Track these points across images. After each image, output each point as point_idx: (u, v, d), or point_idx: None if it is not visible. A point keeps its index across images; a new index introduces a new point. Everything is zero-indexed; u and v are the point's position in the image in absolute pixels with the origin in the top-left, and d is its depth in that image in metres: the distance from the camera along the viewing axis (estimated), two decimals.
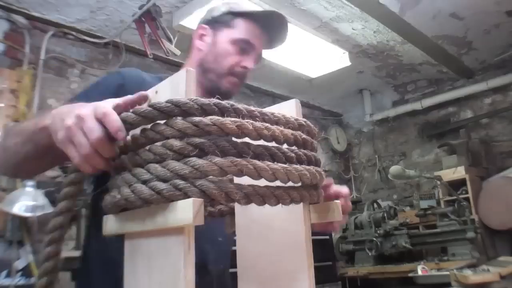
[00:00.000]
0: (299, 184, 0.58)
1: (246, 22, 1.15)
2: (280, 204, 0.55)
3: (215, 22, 1.18)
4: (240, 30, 1.15)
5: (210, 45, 1.17)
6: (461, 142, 3.78)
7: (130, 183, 0.53)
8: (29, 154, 0.81)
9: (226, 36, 1.15)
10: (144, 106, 0.55)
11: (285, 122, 0.59)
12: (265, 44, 1.20)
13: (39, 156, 0.81)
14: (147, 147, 0.54)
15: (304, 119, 0.62)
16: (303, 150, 0.59)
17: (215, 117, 0.51)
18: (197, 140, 0.51)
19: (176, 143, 0.51)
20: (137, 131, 0.57)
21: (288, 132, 0.58)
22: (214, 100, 0.53)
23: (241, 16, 1.16)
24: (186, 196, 0.48)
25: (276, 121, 0.58)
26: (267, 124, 0.55)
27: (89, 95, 0.93)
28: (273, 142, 0.57)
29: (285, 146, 0.58)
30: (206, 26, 1.19)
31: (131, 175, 0.54)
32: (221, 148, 0.51)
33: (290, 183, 0.57)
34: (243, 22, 1.15)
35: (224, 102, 0.53)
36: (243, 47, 1.14)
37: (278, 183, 0.56)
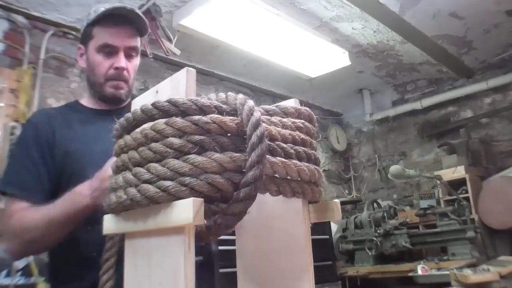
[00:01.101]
0: (298, 179, 0.58)
1: (101, 27, 1.21)
2: (281, 202, 0.55)
3: (84, 38, 1.26)
4: (98, 37, 1.21)
5: (86, 61, 1.26)
6: (461, 141, 3.77)
7: (133, 183, 0.54)
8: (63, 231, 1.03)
9: (92, 48, 1.23)
10: (146, 104, 0.56)
11: (282, 126, 0.59)
12: (133, 35, 1.25)
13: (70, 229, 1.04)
14: (147, 146, 0.54)
15: (303, 121, 0.62)
16: (302, 148, 0.59)
17: (214, 115, 0.52)
18: (197, 137, 0.51)
19: (176, 141, 0.51)
20: (137, 130, 0.57)
21: (286, 132, 0.58)
22: (214, 102, 0.53)
23: (97, 24, 1.21)
24: (192, 190, 0.49)
25: (275, 124, 0.58)
26: (265, 124, 0.55)
27: (27, 149, 1.16)
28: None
29: None
30: (81, 46, 1.28)
31: (131, 175, 0.54)
32: (220, 144, 0.51)
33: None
34: (99, 28, 1.22)
35: (224, 105, 0.53)
36: (107, 51, 1.21)
37: None
